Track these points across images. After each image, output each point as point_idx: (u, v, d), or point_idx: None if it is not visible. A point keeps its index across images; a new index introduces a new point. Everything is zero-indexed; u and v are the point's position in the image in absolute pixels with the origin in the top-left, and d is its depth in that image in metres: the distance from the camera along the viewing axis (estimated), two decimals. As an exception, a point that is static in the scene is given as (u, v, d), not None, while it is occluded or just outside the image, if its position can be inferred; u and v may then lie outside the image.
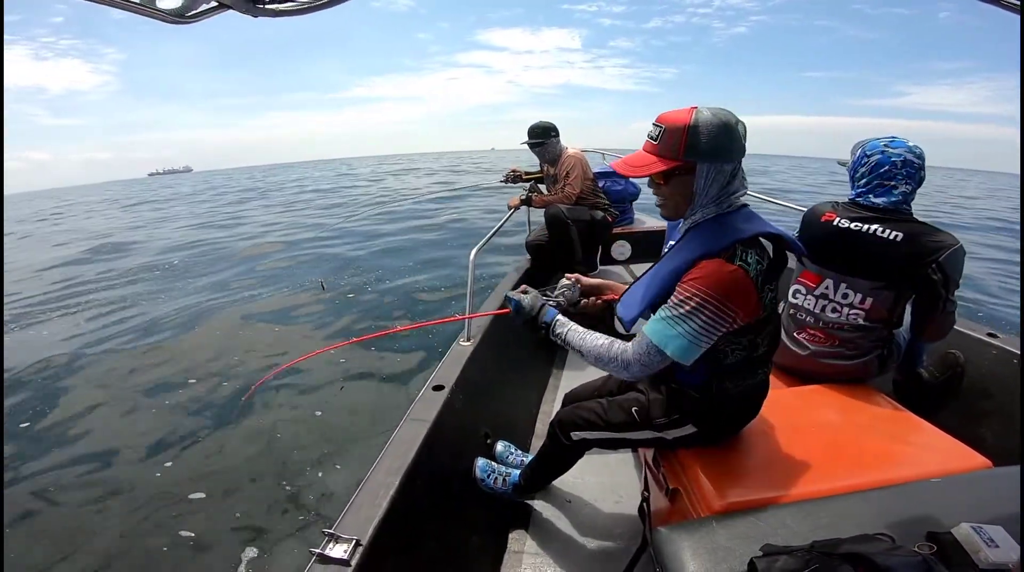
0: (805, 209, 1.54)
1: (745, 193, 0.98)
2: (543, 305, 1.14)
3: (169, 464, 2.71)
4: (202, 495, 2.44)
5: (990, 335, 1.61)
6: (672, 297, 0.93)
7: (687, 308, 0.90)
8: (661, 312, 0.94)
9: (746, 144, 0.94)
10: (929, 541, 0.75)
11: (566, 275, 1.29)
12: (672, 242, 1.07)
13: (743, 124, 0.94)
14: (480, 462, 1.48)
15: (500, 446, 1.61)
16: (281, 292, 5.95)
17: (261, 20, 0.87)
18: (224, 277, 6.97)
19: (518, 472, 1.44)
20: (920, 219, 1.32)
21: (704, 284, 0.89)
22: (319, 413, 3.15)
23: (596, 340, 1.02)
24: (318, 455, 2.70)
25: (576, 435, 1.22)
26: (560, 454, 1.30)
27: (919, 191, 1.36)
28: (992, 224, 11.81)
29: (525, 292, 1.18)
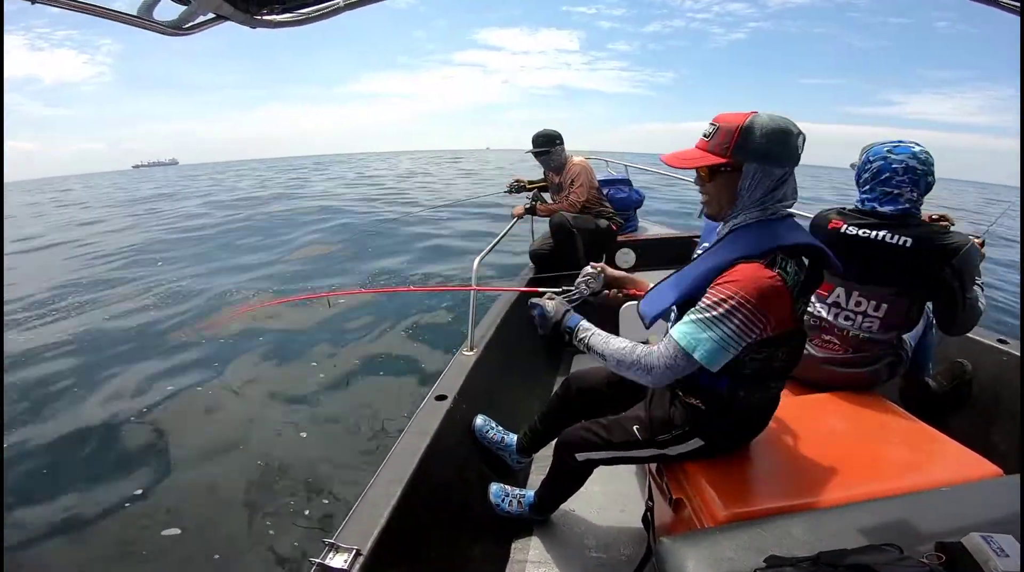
0: (810, 216, 1.52)
1: (793, 203, 0.96)
2: (566, 311, 1.11)
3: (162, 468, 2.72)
4: (198, 501, 2.41)
5: (1001, 341, 1.59)
6: (703, 299, 0.89)
7: (719, 311, 0.86)
8: (691, 314, 0.89)
9: (801, 154, 0.92)
10: (938, 551, 0.73)
11: (592, 264, 1.26)
12: (705, 245, 1.05)
13: (803, 135, 0.92)
14: (494, 488, 1.47)
15: (480, 420, 1.57)
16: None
17: (260, 28, 0.88)
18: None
19: (533, 493, 1.43)
20: (928, 221, 1.31)
21: (740, 287, 0.85)
22: (313, 423, 3.10)
23: (619, 344, 0.98)
24: (317, 465, 2.67)
25: (581, 456, 1.21)
26: (569, 474, 1.28)
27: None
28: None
29: (551, 298, 1.15)
